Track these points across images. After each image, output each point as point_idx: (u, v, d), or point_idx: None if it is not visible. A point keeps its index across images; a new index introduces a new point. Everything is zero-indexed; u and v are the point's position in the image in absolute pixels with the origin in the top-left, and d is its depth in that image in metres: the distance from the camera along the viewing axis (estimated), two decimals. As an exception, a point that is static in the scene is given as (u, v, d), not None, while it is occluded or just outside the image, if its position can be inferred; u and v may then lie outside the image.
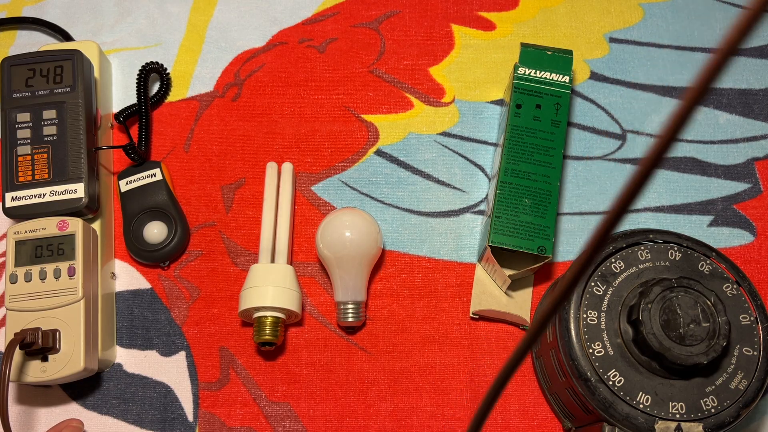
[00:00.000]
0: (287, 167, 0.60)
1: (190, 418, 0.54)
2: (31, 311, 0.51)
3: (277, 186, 0.59)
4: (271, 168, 0.59)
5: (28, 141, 0.55)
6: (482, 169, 0.61)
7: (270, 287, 0.53)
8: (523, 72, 0.57)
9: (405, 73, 0.64)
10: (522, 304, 0.56)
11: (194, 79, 0.64)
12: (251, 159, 0.62)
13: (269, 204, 0.58)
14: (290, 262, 0.57)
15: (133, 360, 0.56)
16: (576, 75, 0.63)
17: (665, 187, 0.60)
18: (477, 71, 0.64)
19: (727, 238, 0.59)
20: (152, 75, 0.63)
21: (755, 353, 0.46)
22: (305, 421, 0.54)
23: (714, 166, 0.61)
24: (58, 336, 0.51)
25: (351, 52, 0.65)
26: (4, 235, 0.60)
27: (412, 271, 0.58)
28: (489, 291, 0.57)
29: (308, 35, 0.66)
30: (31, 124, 0.56)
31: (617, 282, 0.47)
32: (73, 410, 0.54)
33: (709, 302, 0.44)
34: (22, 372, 0.50)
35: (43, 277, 0.52)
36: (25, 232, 0.53)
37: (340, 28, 0.66)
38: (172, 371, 0.55)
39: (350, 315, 0.54)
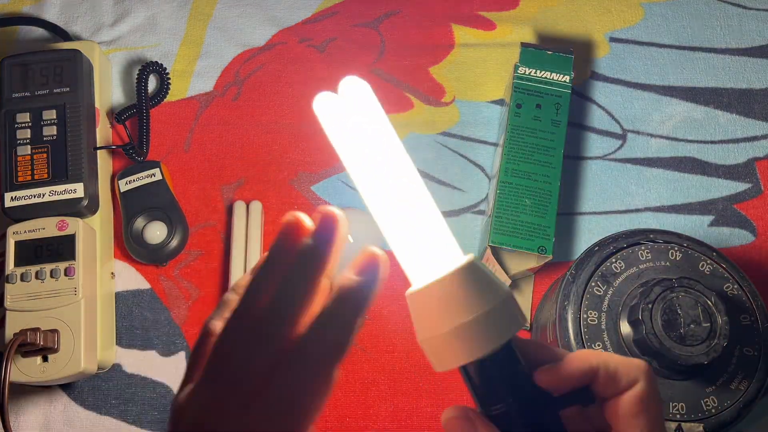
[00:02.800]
0: (255, 207, 0.58)
1: (190, 418, 0.54)
2: (31, 311, 0.51)
3: (246, 226, 0.58)
4: (239, 208, 0.58)
5: (28, 141, 0.55)
6: (482, 169, 0.61)
7: None
8: (523, 72, 0.57)
9: (405, 72, 0.64)
10: (522, 304, 0.56)
11: (194, 79, 0.64)
12: (251, 159, 0.61)
13: (239, 244, 0.57)
14: None
15: (132, 360, 0.56)
16: (576, 75, 0.63)
17: (666, 186, 0.60)
18: (477, 71, 0.64)
19: (727, 238, 0.59)
20: (152, 75, 0.63)
21: (755, 353, 0.46)
22: (305, 421, 0.54)
23: (714, 165, 0.61)
24: (57, 336, 0.51)
25: (351, 51, 0.65)
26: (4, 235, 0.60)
27: (412, 271, 0.58)
28: (489, 291, 0.57)
29: (308, 35, 0.66)
30: (30, 124, 0.55)
31: (618, 282, 0.47)
32: (73, 410, 0.54)
33: (709, 302, 0.44)
34: (22, 372, 0.50)
35: (42, 277, 0.52)
36: (25, 232, 0.53)
37: (340, 27, 0.66)
38: (171, 371, 0.55)
39: (350, 315, 0.54)
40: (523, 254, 0.54)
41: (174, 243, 0.56)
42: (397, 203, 0.31)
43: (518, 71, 0.57)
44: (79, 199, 0.54)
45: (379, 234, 0.56)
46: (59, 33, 0.64)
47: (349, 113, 0.32)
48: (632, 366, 0.30)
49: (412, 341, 0.56)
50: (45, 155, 0.55)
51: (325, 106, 0.32)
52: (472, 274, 0.30)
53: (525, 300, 0.56)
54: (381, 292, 0.60)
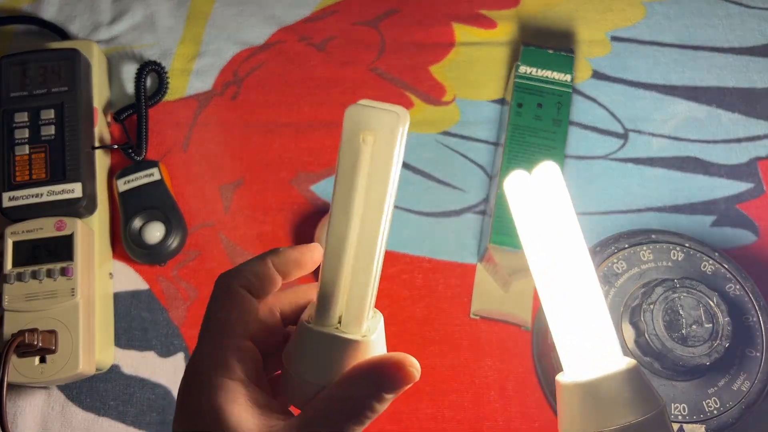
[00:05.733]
0: (402, 114, 0.28)
1: (189, 419, 0.54)
2: (29, 312, 0.51)
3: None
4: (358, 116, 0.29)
5: (26, 141, 0.55)
6: (483, 169, 0.61)
7: None
8: (524, 71, 0.57)
9: (405, 71, 0.64)
10: (523, 305, 0.56)
11: (192, 78, 0.64)
12: (250, 158, 0.61)
13: (352, 197, 0.29)
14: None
15: (131, 361, 0.55)
16: (578, 73, 0.63)
17: (668, 186, 0.60)
18: (478, 70, 0.64)
19: (729, 238, 0.58)
20: (150, 74, 0.63)
21: (758, 354, 0.45)
22: (305, 422, 0.54)
23: (717, 165, 0.61)
24: (55, 337, 0.50)
25: (351, 50, 0.65)
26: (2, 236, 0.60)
27: (412, 272, 0.58)
28: (490, 291, 0.56)
29: (308, 33, 0.65)
30: (28, 124, 0.55)
31: (619, 282, 0.47)
32: (71, 411, 0.54)
33: (711, 303, 0.44)
34: (20, 373, 0.50)
35: (40, 277, 0.51)
36: (23, 232, 0.53)
37: (340, 26, 0.66)
38: (170, 373, 0.55)
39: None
40: (523, 254, 0.54)
41: (172, 243, 0.56)
42: (567, 291, 0.32)
43: (519, 70, 0.57)
44: (77, 199, 0.54)
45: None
46: (57, 32, 0.64)
47: (538, 195, 0.32)
48: None
49: (412, 342, 0.56)
50: (43, 155, 0.55)
51: (516, 185, 0.32)
52: (633, 378, 0.30)
53: (526, 300, 0.56)
54: (381, 293, 0.60)
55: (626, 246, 0.48)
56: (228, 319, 0.31)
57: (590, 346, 0.31)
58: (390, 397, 0.29)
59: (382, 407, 0.29)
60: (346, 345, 0.30)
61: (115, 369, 0.55)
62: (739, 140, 0.61)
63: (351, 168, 0.29)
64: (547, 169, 0.32)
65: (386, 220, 0.30)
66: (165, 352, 0.56)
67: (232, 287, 0.31)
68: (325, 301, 0.30)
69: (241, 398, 0.29)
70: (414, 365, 0.30)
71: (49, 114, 0.55)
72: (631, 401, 0.30)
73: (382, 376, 0.29)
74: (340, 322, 0.31)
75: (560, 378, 0.32)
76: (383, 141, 0.28)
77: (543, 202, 0.32)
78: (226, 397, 0.29)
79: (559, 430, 0.32)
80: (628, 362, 0.31)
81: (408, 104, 0.63)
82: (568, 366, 0.32)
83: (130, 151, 0.59)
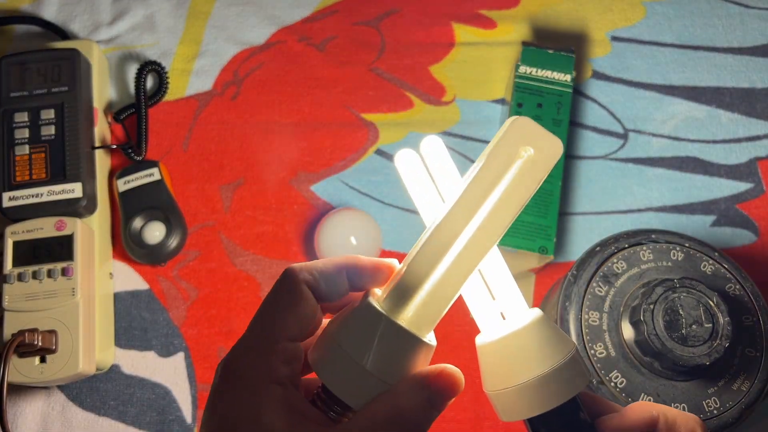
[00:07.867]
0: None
1: (189, 420, 0.54)
2: (29, 312, 0.51)
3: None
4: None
5: (26, 141, 0.55)
6: (483, 169, 0.61)
7: None
8: (524, 71, 0.57)
9: (405, 71, 0.64)
10: (523, 305, 0.56)
11: (192, 78, 0.64)
12: (250, 158, 0.61)
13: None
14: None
15: (131, 361, 0.56)
16: (577, 74, 0.63)
17: (668, 186, 0.60)
18: (478, 70, 0.64)
19: (729, 238, 0.58)
20: (150, 74, 0.63)
21: (757, 354, 0.45)
22: (305, 422, 0.54)
23: (717, 165, 0.61)
24: (55, 337, 0.50)
25: (351, 50, 0.65)
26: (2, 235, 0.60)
27: (412, 272, 0.58)
28: (490, 291, 0.56)
29: (308, 33, 0.65)
30: (28, 124, 0.55)
31: (619, 282, 0.47)
32: (71, 411, 0.54)
33: (711, 303, 0.44)
34: (20, 373, 0.50)
35: (40, 277, 0.51)
36: (23, 232, 0.53)
37: (340, 26, 0.66)
38: (170, 372, 0.55)
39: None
40: (524, 254, 0.54)
41: (172, 243, 0.56)
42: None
43: (519, 70, 0.57)
44: (78, 199, 0.54)
45: (378, 233, 0.56)
46: (57, 32, 0.64)
47: (425, 169, 0.32)
48: (689, 418, 0.32)
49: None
50: (43, 155, 0.55)
51: (406, 161, 0.33)
52: (541, 329, 0.30)
53: (526, 300, 0.56)
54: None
55: (626, 246, 0.48)
56: (283, 316, 0.29)
57: (497, 306, 0.32)
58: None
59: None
60: (418, 346, 0.29)
61: (115, 369, 0.55)
62: (738, 140, 0.61)
63: (495, 173, 0.29)
64: (430, 142, 0.33)
65: (502, 234, 0.30)
66: (165, 352, 0.56)
67: (297, 284, 0.29)
68: (406, 291, 0.29)
69: (277, 403, 0.27)
70: (462, 380, 0.30)
71: (49, 114, 0.55)
72: (542, 351, 0.30)
73: (437, 390, 0.29)
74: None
75: (477, 340, 0.32)
76: (539, 162, 0.29)
77: (432, 173, 0.32)
78: (262, 400, 0.27)
79: (484, 390, 0.32)
80: (534, 315, 0.31)
81: (408, 104, 0.63)
82: (483, 329, 0.33)
83: (130, 151, 0.59)
